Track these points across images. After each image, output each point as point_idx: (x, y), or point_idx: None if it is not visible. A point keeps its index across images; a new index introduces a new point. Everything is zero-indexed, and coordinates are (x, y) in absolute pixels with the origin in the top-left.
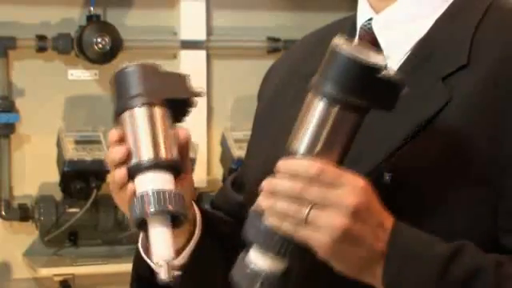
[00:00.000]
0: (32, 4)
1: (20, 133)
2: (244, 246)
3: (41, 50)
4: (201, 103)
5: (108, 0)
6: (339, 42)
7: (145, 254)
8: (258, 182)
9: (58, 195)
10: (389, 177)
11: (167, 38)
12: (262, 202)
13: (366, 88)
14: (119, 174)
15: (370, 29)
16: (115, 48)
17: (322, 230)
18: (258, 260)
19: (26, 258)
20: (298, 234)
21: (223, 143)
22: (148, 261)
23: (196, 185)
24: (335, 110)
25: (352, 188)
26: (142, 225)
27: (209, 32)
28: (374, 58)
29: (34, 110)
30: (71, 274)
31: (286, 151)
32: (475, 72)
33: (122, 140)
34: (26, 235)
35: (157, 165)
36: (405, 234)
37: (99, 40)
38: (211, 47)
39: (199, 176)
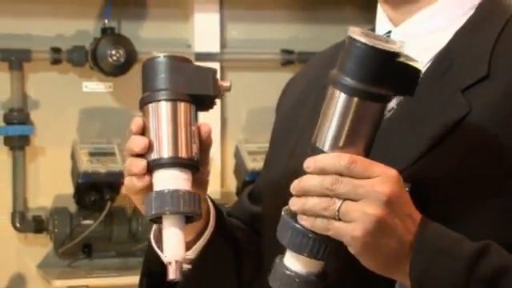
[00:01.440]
0: (47, 17)
1: (35, 145)
2: (258, 256)
3: (55, 62)
4: (215, 115)
5: (123, 12)
6: (355, 32)
7: (156, 245)
8: (275, 193)
9: (73, 207)
10: (408, 187)
11: (181, 51)
12: (293, 203)
13: (384, 75)
14: (139, 165)
15: None
16: (130, 60)
17: (355, 222)
18: (293, 263)
19: (41, 270)
20: (331, 229)
21: (237, 155)
22: (159, 253)
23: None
24: (356, 100)
25: (383, 177)
26: (156, 219)
27: (223, 44)
28: (390, 45)
29: (48, 122)
30: (85, 285)
31: (311, 147)
32: (495, 84)
33: (143, 130)
34: (41, 247)
35: (176, 163)
36: (432, 227)
37: (114, 52)
38: (225, 59)
39: (213, 188)
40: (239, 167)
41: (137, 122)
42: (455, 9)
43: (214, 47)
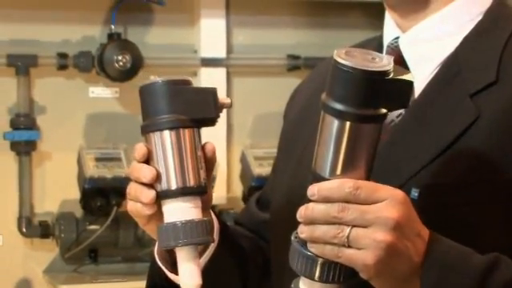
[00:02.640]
0: (53, 22)
1: (41, 150)
2: (264, 264)
3: (62, 67)
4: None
5: (129, 18)
6: (340, 55)
7: (160, 261)
8: (283, 200)
9: (79, 212)
10: (417, 193)
11: (187, 56)
12: (301, 230)
13: (376, 96)
14: (148, 195)
15: (397, 47)
16: (136, 66)
17: (366, 249)
18: None
19: (47, 275)
20: (342, 257)
21: (243, 160)
22: (168, 273)
23: (215, 202)
24: (350, 125)
25: (390, 201)
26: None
27: (229, 50)
28: (378, 63)
29: (54, 127)
30: None
31: (312, 174)
32: (504, 89)
33: (148, 156)
34: (47, 252)
35: (186, 192)
36: (440, 244)
37: (120, 58)
38: (231, 65)
39: (219, 193)
40: (245, 172)
41: (141, 151)
42: (463, 15)
43: (221, 52)
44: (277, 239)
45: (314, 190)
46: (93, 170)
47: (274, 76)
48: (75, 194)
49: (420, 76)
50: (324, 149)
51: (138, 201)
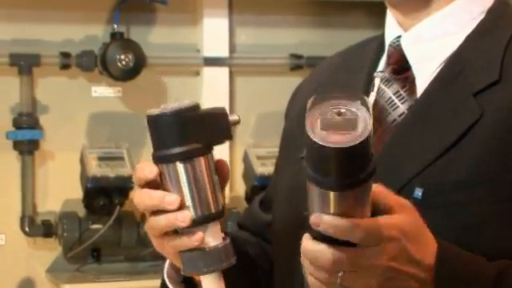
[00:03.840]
0: (56, 22)
1: (44, 149)
2: (270, 268)
3: (65, 67)
4: None
5: (132, 17)
6: (310, 126)
7: (169, 281)
8: (286, 201)
9: (81, 211)
10: (420, 192)
11: (190, 55)
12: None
13: (357, 166)
14: (186, 218)
15: (399, 46)
16: (139, 65)
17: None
18: None
19: (49, 274)
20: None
21: (245, 160)
22: None
23: None
24: (332, 194)
25: (398, 236)
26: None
27: (231, 49)
28: (349, 136)
29: (57, 126)
30: None
31: (306, 226)
32: (507, 88)
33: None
34: (49, 251)
35: (207, 220)
36: (449, 255)
37: (123, 57)
38: (234, 64)
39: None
40: (248, 172)
41: (153, 171)
42: (465, 14)
43: (223, 52)
44: (279, 240)
45: (317, 220)
46: (95, 169)
47: (277, 75)
48: (78, 193)
49: (422, 75)
50: (314, 208)
51: (172, 228)
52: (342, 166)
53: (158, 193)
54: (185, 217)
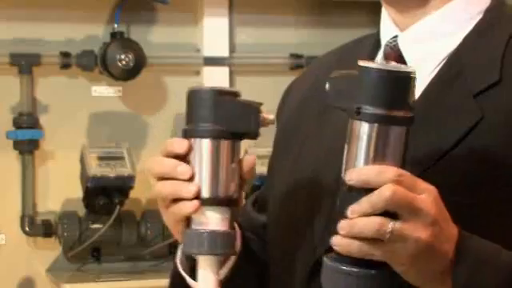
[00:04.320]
0: (56, 21)
1: (44, 149)
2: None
3: (65, 66)
4: None
5: (132, 17)
6: (365, 63)
7: (182, 269)
8: (281, 201)
9: (82, 211)
10: None
11: (190, 55)
12: (336, 239)
13: (407, 97)
14: (191, 190)
15: (396, 45)
16: (139, 65)
17: (404, 245)
18: None
19: (50, 274)
20: (378, 253)
21: None
22: (187, 278)
23: None
24: (380, 127)
25: (429, 195)
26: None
27: (232, 49)
28: (403, 68)
29: (57, 126)
30: None
31: (341, 182)
32: (508, 89)
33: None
34: (50, 251)
35: (215, 202)
36: (470, 239)
37: (123, 57)
38: (234, 64)
39: None
40: None
41: (184, 144)
42: (462, 14)
43: (223, 51)
44: (273, 239)
45: (351, 175)
46: (96, 168)
47: (277, 75)
48: (78, 192)
49: (420, 75)
50: (358, 156)
51: (176, 196)
52: (399, 93)
53: (172, 161)
54: (190, 189)
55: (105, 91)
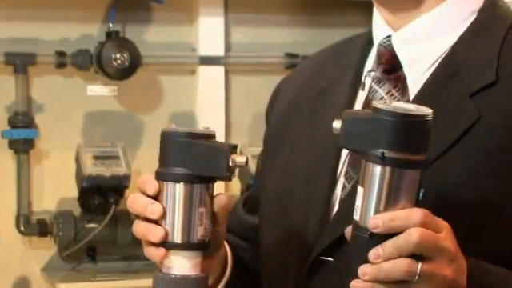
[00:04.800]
0: (51, 20)
1: (39, 148)
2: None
3: (60, 66)
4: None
5: (127, 16)
6: (380, 104)
7: None
8: (273, 200)
9: (77, 210)
10: (421, 193)
11: (186, 54)
12: (364, 272)
13: (426, 141)
14: (159, 254)
15: (390, 45)
16: (134, 64)
17: (433, 282)
18: None
19: (45, 274)
20: None
21: None
22: None
23: None
24: (400, 171)
25: (447, 232)
26: None
27: (227, 48)
28: (418, 110)
29: (53, 125)
30: None
31: (357, 227)
32: (505, 89)
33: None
34: (45, 250)
35: (187, 247)
36: (479, 269)
37: (118, 56)
38: (229, 63)
39: (217, 191)
40: (243, 171)
41: (153, 186)
42: (456, 14)
43: (219, 51)
44: (267, 241)
45: (377, 221)
46: (91, 168)
47: (272, 74)
48: (73, 192)
49: (414, 75)
50: (375, 199)
51: (145, 239)
52: (420, 137)
53: (145, 199)
54: (157, 233)
55: (100, 90)
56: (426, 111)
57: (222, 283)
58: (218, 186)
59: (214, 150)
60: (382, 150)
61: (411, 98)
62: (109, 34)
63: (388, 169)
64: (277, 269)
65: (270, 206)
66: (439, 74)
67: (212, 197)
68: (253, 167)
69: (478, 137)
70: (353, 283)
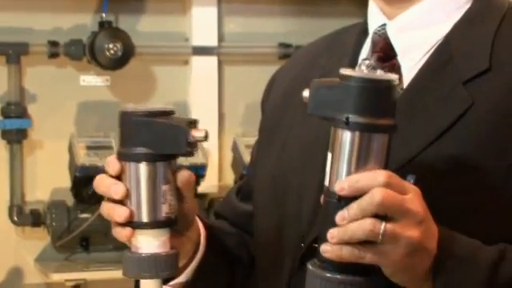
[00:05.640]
0: (44, 10)
1: (32, 138)
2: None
3: (53, 56)
4: (212, 109)
5: (120, 6)
6: (346, 71)
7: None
8: (267, 187)
9: (70, 200)
10: (412, 179)
11: (179, 44)
12: (326, 246)
13: (391, 105)
14: (125, 234)
15: (384, 33)
16: (127, 54)
17: (395, 245)
18: None
19: (38, 264)
20: (367, 256)
21: (234, 149)
22: None
23: (207, 190)
24: (365, 135)
25: (415, 194)
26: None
27: (220, 38)
28: (383, 76)
29: (46, 115)
30: (83, 279)
31: (326, 193)
32: (498, 77)
33: (121, 175)
34: (38, 241)
35: (154, 225)
36: (451, 238)
37: (111, 46)
38: (223, 53)
39: (211, 182)
40: (237, 161)
41: (115, 166)
42: (450, 3)
43: (212, 41)
44: (261, 227)
45: (343, 184)
46: (84, 158)
47: (266, 64)
48: (66, 182)
49: (409, 63)
50: (341, 163)
51: (110, 219)
52: (384, 101)
53: (108, 180)
54: (121, 213)
55: (93, 80)
56: (391, 77)
57: (194, 263)
58: (211, 175)
59: (172, 127)
60: (346, 115)
61: (405, 86)
62: (102, 24)
63: (353, 133)
64: (271, 256)
65: (263, 194)
66: (433, 62)
67: (174, 173)
68: (246, 157)
69: (471, 124)
70: (322, 247)
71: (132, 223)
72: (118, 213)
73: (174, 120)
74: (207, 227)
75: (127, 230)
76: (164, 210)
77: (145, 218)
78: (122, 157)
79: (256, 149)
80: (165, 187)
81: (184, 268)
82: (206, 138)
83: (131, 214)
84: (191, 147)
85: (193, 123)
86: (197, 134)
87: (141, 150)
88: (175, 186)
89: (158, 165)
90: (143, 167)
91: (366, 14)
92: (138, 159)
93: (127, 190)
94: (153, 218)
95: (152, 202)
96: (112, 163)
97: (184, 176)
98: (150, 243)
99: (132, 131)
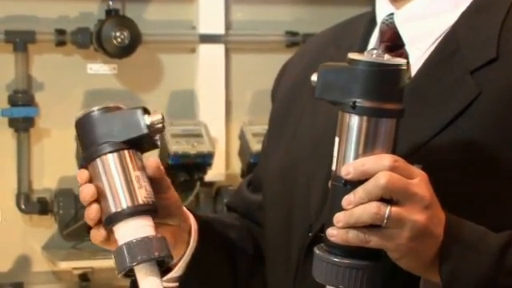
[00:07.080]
0: None
1: (39, 127)
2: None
3: (60, 44)
4: (219, 97)
5: None
6: (354, 55)
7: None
8: (278, 179)
9: (77, 188)
10: (419, 169)
11: (186, 32)
12: (332, 230)
13: (398, 89)
14: (100, 234)
15: (392, 23)
16: (134, 42)
17: (401, 229)
18: None
19: (45, 252)
20: (373, 240)
21: (242, 137)
22: None
23: (215, 179)
24: (372, 120)
25: (422, 178)
26: (129, 273)
27: (227, 26)
28: (391, 60)
29: (53, 103)
30: (90, 267)
31: (334, 178)
32: (505, 66)
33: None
34: (45, 229)
35: (136, 211)
36: (457, 224)
37: (118, 34)
38: (230, 41)
39: (218, 170)
40: (244, 149)
41: (83, 175)
42: None
43: (219, 29)
44: (272, 218)
45: (349, 168)
46: None
47: (273, 52)
48: (73, 170)
49: (416, 52)
50: (348, 149)
51: (88, 222)
52: (392, 86)
53: (82, 187)
54: (91, 210)
55: (100, 69)
56: (400, 61)
57: (185, 257)
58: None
59: (126, 114)
60: (353, 99)
61: (413, 75)
62: (108, 12)
63: (361, 118)
64: (279, 246)
65: (273, 185)
66: (440, 52)
67: (142, 161)
68: (254, 146)
69: (479, 113)
70: (328, 231)
71: (112, 217)
72: (87, 215)
73: (125, 109)
74: (199, 219)
75: (102, 230)
76: (142, 195)
77: (124, 205)
78: (87, 160)
79: (266, 139)
80: (137, 173)
81: (177, 262)
82: (163, 119)
83: (109, 209)
84: (150, 129)
85: (147, 110)
86: (153, 116)
87: (103, 143)
88: (146, 174)
89: (124, 153)
90: (110, 157)
91: (373, 2)
92: (102, 153)
93: (97, 188)
94: (132, 203)
95: (128, 188)
96: (79, 174)
97: (151, 162)
98: (136, 231)
99: (90, 130)
